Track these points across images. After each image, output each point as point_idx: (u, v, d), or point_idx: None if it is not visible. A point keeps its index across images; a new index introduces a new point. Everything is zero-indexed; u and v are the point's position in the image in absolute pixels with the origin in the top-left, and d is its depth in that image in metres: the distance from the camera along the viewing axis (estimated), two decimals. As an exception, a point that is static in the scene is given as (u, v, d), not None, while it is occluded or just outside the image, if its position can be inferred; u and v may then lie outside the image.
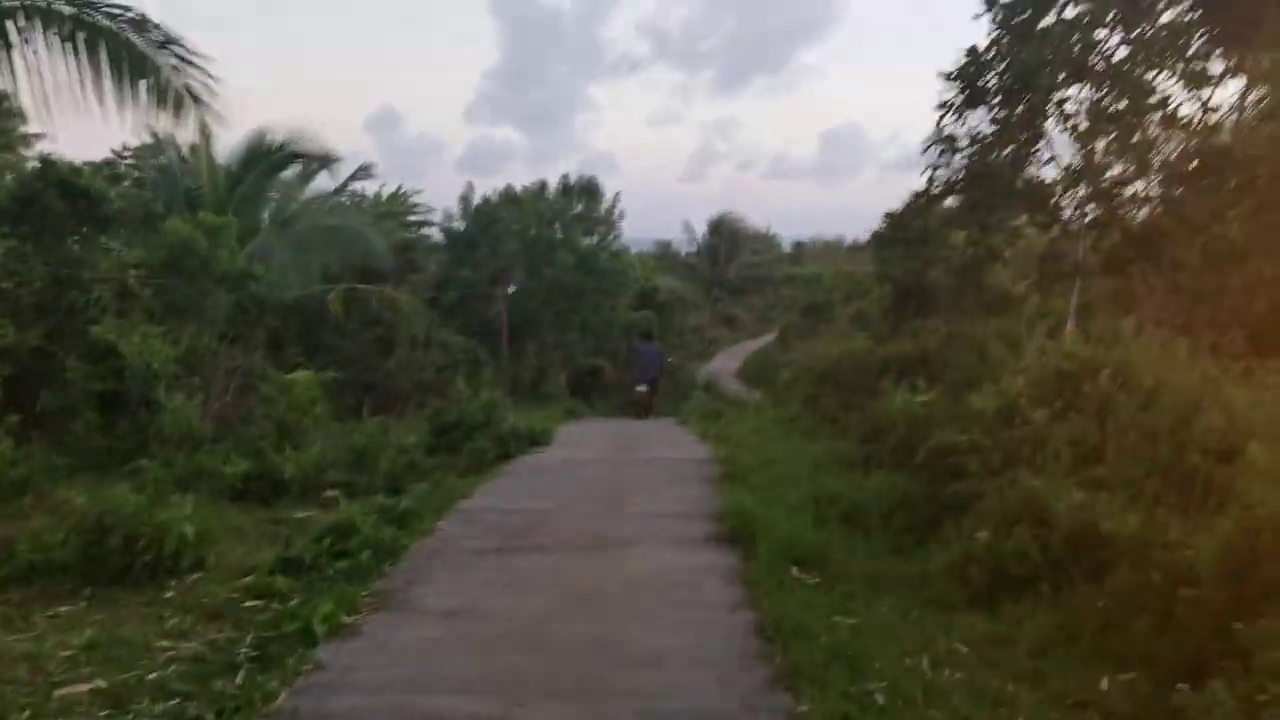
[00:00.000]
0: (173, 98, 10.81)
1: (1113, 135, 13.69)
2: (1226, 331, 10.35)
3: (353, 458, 13.44)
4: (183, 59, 10.89)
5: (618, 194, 38.41)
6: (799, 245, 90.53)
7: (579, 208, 37.65)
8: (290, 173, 24.93)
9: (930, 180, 14.51)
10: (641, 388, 25.54)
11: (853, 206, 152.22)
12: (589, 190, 37.61)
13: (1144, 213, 13.83)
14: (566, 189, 37.53)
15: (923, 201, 14.72)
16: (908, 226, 15.37)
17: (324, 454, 13.55)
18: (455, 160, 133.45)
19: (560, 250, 35.46)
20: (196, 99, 10.98)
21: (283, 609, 7.00)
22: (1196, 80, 12.80)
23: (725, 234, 76.28)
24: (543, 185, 37.67)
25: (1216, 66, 13.28)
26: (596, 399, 37.83)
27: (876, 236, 18.52)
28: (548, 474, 13.51)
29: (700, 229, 75.24)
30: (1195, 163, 12.89)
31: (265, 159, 22.43)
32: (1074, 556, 7.09)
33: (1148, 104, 12.57)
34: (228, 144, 22.23)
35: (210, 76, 11.01)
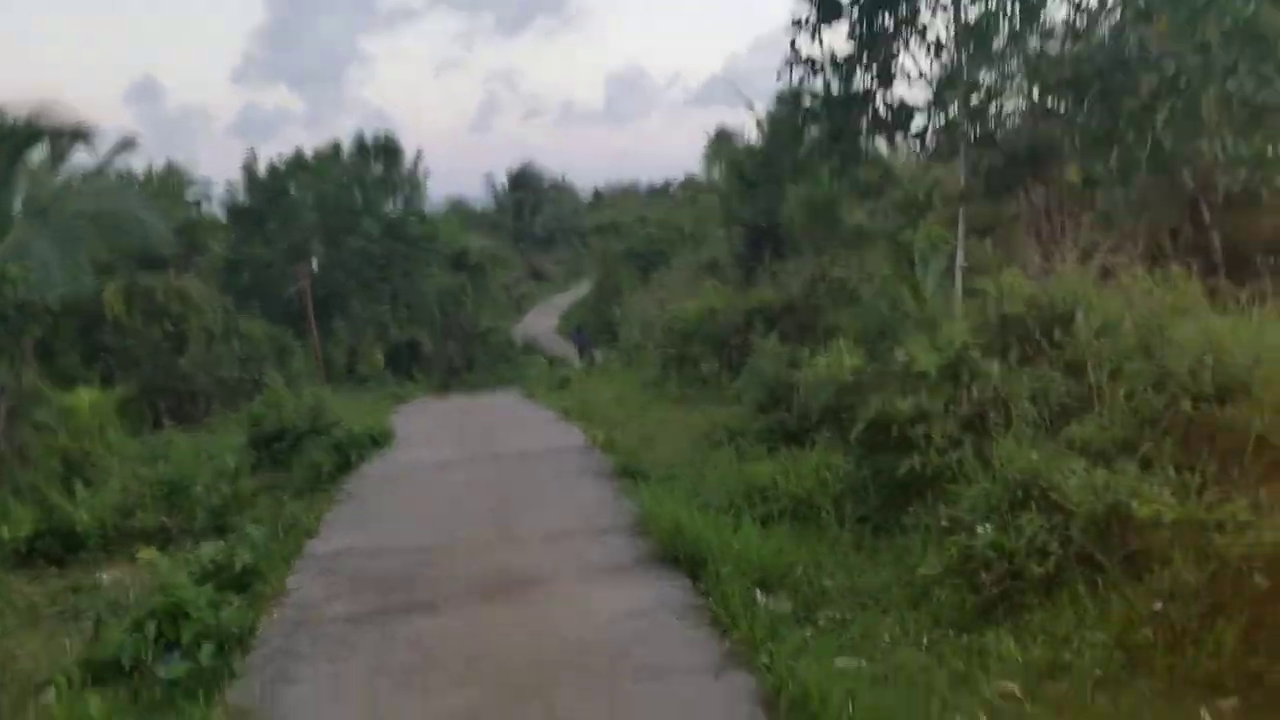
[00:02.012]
0: None
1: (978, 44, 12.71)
2: (1167, 254, 9.48)
3: (162, 493, 11.07)
4: None
5: (419, 152, 35.72)
6: (597, 193, 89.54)
7: (378, 170, 34.77)
8: (41, 154, 21.35)
9: (797, 109, 13.15)
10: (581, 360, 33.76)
11: (644, 149, 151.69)
12: (388, 150, 34.73)
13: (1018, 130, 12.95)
14: (363, 149, 34.51)
15: (791, 132, 13.39)
16: (775, 163, 14.01)
17: (126, 492, 11.17)
18: (226, 128, 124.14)
19: (364, 218, 32.60)
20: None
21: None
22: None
23: (529, 186, 74.21)
24: (336, 148, 34.55)
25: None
26: (418, 374, 35.42)
27: (739, 176, 17.12)
28: (404, 486, 11.56)
29: (500, 182, 72.85)
30: (1072, 71, 12.01)
31: (8, 140, 18.90)
32: (1104, 548, 5.88)
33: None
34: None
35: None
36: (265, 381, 23.99)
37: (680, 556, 7.10)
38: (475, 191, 75.79)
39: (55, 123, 19.70)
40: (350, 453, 13.58)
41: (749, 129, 42.04)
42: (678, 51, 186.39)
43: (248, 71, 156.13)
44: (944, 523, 6.83)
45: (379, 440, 15.01)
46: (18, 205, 19.95)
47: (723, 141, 46.95)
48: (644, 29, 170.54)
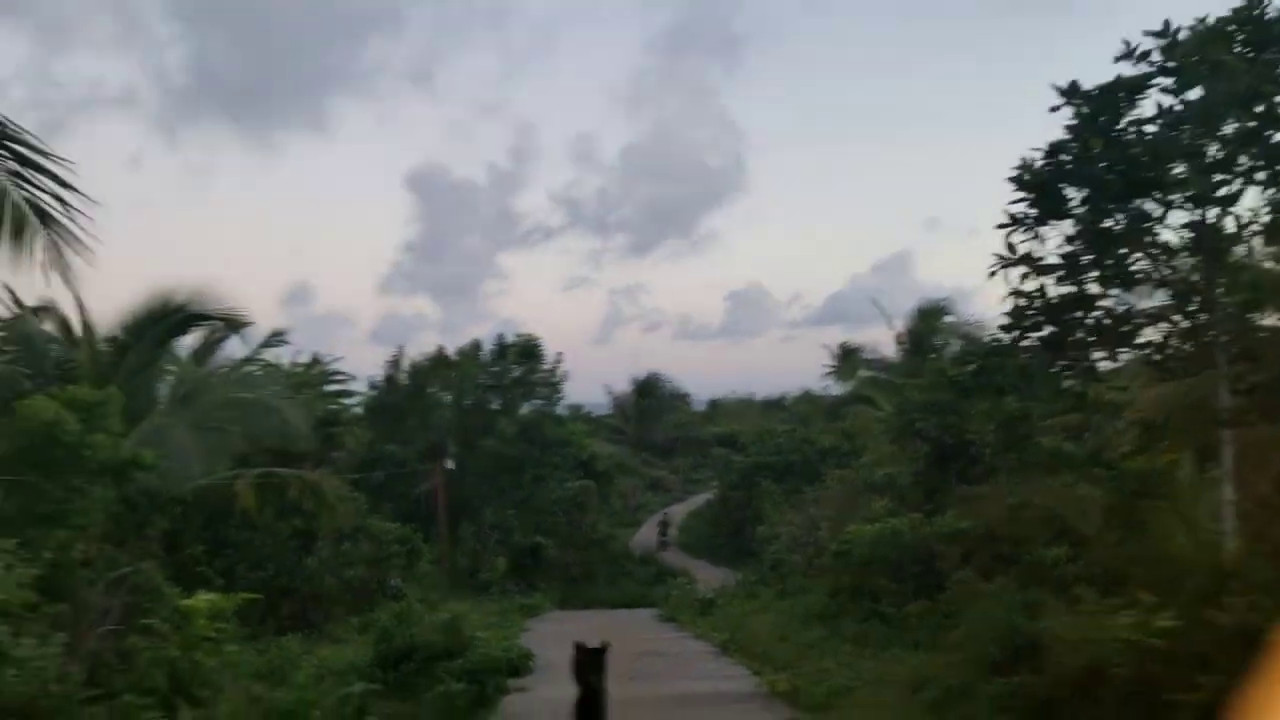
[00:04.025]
0: (10, 214, 7.24)
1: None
2: None
3: (276, 725, 9.46)
4: (25, 161, 7.35)
5: (560, 354, 35.12)
6: (713, 403, 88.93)
7: (517, 372, 34.27)
8: (193, 339, 21.15)
9: (1016, 311, 11.58)
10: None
11: (758, 364, 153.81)
12: (528, 351, 34.28)
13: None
14: (503, 350, 34.16)
15: (1013, 338, 11.77)
16: (998, 370, 12.35)
17: (235, 720, 9.58)
18: (366, 333, 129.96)
19: (500, 419, 31.84)
20: (45, 218, 7.42)
21: None
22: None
23: (654, 394, 73.87)
24: (477, 347, 34.32)
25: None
26: (540, 582, 33.64)
27: (953, 383, 15.50)
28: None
29: (620, 391, 72.77)
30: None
31: (161, 322, 18.55)
32: None
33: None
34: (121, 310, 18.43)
35: (67, 187, 7.48)
36: (392, 584, 22.62)
37: None
38: (593, 399, 75.52)
39: (209, 309, 19.43)
40: (487, 682, 11.79)
41: (885, 344, 41.03)
42: (798, 273, 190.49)
43: (394, 281, 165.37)
44: None
45: (517, 665, 13.18)
46: (163, 391, 19.54)
47: (850, 356, 45.63)
48: (767, 252, 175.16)
